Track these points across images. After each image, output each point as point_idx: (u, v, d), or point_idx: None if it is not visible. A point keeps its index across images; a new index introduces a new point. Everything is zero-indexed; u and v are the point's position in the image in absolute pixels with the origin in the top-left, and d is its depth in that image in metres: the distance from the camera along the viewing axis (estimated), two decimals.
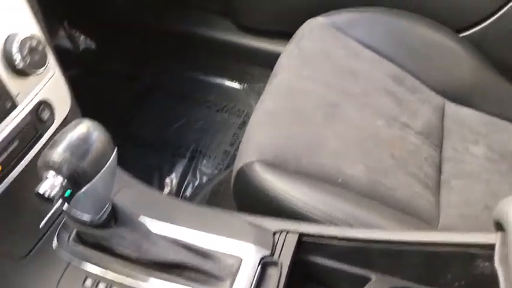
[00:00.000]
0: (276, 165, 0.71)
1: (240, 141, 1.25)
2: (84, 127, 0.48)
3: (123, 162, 1.26)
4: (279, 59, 0.93)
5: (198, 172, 1.16)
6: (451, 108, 0.94)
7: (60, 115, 0.60)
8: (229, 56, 1.32)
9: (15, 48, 0.51)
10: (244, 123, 1.25)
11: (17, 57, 0.52)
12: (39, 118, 0.57)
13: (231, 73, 1.35)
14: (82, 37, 1.38)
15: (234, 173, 0.73)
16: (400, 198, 0.74)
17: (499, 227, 0.43)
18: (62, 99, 0.61)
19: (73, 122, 0.49)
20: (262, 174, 0.69)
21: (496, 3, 0.99)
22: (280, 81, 0.87)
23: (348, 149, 0.78)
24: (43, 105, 0.57)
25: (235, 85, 1.35)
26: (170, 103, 1.31)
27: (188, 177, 1.15)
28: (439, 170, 0.83)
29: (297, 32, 0.97)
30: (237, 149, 1.22)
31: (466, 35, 1.03)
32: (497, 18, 1.00)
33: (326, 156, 0.75)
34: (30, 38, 0.53)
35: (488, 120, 0.95)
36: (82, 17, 1.39)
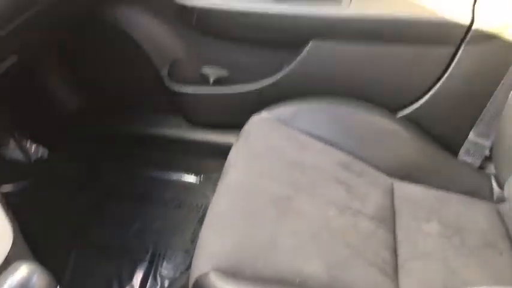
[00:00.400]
0: (232, 273, 0.70)
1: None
2: (23, 271, 0.47)
3: (81, 271, 1.23)
4: (228, 158, 0.95)
5: (158, 276, 1.12)
6: (400, 187, 0.97)
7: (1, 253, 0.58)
8: (183, 151, 1.34)
9: None
10: (203, 217, 1.24)
11: None
12: None
13: (186, 167, 1.36)
14: (34, 146, 1.37)
15: (190, 285, 0.72)
16: None
17: None
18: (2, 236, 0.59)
19: (12, 266, 0.48)
20: (218, 286, 0.68)
21: (427, 84, 1.06)
22: (230, 181, 0.88)
23: (304, 244, 0.78)
24: None
25: (191, 178, 1.35)
26: (127, 206, 1.29)
27: (149, 283, 1.11)
28: (395, 253, 0.84)
29: (243, 129, 1.00)
30: None
31: (404, 115, 1.09)
32: (430, 97, 1.06)
33: (282, 256, 0.75)
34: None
35: (437, 195, 0.98)
36: (33, 126, 1.39)
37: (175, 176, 1.36)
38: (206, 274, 0.69)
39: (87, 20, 1.15)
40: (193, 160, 1.34)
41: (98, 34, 1.20)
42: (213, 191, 1.32)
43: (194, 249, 1.19)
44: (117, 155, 1.37)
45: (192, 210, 1.27)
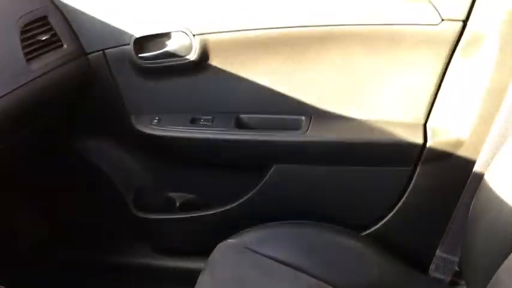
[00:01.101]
0: None
1: None
2: None
3: None
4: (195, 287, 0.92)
5: None
6: None
7: None
8: (151, 278, 1.29)
9: None
10: None
11: None
12: None
13: None
14: None
15: None
16: None
17: None
18: None
19: None
20: None
21: (388, 202, 1.08)
22: None
23: None
24: None
25: None
26: None
27: None
28: None
29: (210, 257, 0.98)
30: None
31: (369, 233, 1.10)
32: (393, 215, 1.08)
33: None
34: None
35: None
36: None
37: None
38: None
39: (47, 151, 1.16)
40: (160, 287, 1.28)
41: (60, 164, 1.21)
42: None
43: None
44: (82, 285, 1.30)
45: None
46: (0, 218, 1.19)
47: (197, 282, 0.93)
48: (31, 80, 0.89)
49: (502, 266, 0.81)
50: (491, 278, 0.84)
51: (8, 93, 0.83)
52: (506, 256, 0.81)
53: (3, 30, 0.91)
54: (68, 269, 1.33)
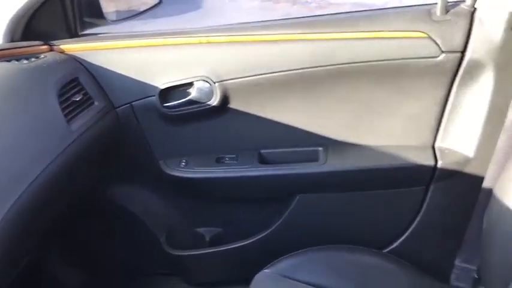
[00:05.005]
0: None
1: None
2: None
3: None
4: None
5: None
6: None
7: None
8: None
9: None
10: None
11: None
12: None
13: None
14: None
15: None
16: None
17: None
18: None
19: None
20: None
21: (406, 220, 1.16)
22: None
23: None
24: None
25: None
26: None
27: None
28: None
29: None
30: None
31: (391, 250, 1.18)
32: (411, 231, 1.17)
33: None
34: None
35: None
36: None
37: None
38: None
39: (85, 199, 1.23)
40: None
41: (96, 211, 1.28)
42: None
43: None
44: None
45: None
46: (45, 267, 1.26)
47: None
48: (74, 141, 0.96)
49: None
50: (509, 284, 0.93)
51: (59, 154, 0.90)
52: None
53: (44, 95, 0.97)
54: None
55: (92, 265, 1.37)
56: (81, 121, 1.02)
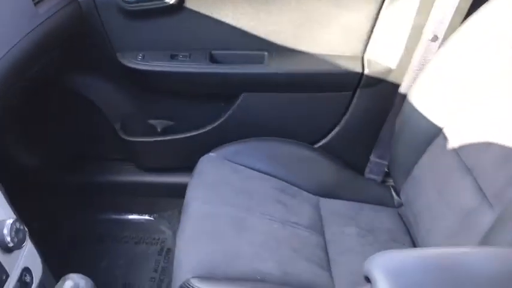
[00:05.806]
0: (208, 277, 0.91)
1: (162, 266, 1.41)
2: (71, 281, 0.65)
3: None
4: (186, 192, 1.15)
5: None
6: (325, 202, 1.23)
7: (36, 276, 0.75)
8: (137, 194, 1.52)
9: (6, 232, 0.67)
10: (162, 249, 1.43)
11: (8, 239, 0.67)
12: (23, 282, 0.71)
13: (141, 208, 1.54)
14: None
15: None
16: (305, 280, 0.98)
17: (368, 279, 0.67)
18: (36, 263, 0.76)
19: (62, 279, 0.66)
20: (201, 286, 0.88)
21: (334, 120, 1.35)
22: (192, 210, 1.09)
23: (259, 251, 1.00)
24: (25, 271, 0.72)
25: (147, 217, 1.53)
26: (91, 246, 1.44)
27: None
28: (326, 251, 1.09)
29: (195, 168, 1.22)
30: (162, 274, 1.37)
31: (320, 146, 1.38)
32: (337, 130, 1.36)
33: (244, 261, 0.97)
34: (15, 221, 0.69)
35: (353, 206, 1.25)
36: None
37: (132, 216, 1.53)
38: (188, 280, 0.89)
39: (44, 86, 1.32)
40: (147, 201, 1.52)
41: (55, 97, 1.37)
42: (167, 226, 1.50)
43: (158, 276, 1.37)
44: (77, 204, 1.51)
45: (151, 244, 1.45)
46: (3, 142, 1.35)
47: (188, 185, 1.17)
48: (41, 23, 1.04)
49: (417, 164, 1.11)
50: (410, 175, 1.14)
51: (25, 36, 0.99)
52: (420, 156, 1.10)
53: None
54: (70, 191, 1.53)
55: (50, 149, 1.48)
56: (47, 6, 1.10)
